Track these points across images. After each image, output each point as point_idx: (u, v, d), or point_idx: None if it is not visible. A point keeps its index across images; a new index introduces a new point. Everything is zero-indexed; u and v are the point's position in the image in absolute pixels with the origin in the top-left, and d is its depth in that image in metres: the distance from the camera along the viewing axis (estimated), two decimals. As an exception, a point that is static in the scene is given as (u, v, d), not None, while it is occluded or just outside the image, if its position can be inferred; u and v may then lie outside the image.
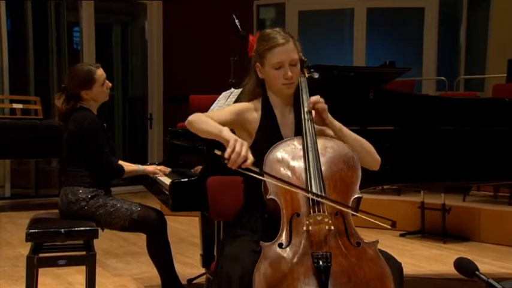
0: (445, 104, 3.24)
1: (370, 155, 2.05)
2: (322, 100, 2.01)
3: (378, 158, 2.07)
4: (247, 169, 1.75)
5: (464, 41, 7.83)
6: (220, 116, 2.02)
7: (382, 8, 7.84)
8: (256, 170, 1.78)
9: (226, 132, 1.83)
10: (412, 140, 3.00)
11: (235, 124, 2.06)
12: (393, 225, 1.76)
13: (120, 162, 3.08)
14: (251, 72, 2.15)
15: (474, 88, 7.59)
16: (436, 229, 4.94)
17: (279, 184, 1.82)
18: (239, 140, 1.76)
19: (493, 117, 3.22)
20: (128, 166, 3.08)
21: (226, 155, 1.72)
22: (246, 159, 1.73)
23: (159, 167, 3.12)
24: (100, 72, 3.02)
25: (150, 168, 3.13)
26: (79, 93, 2.99)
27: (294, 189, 1.83)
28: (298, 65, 2.07)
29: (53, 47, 7.57)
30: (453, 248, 4.60)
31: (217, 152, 1.75)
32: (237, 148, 1.72)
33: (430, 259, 4.27)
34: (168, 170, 3.13)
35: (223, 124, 1.92)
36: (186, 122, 2.00)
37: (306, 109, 2.02)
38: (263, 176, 1.81)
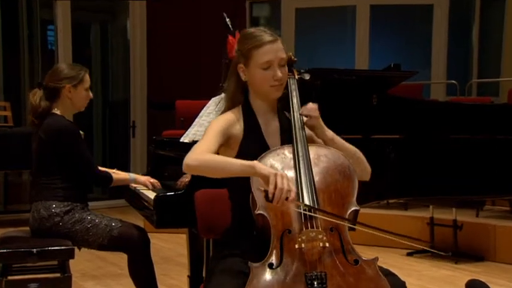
0: (456, 111, 3.27)
1: (363, 165, 2.08)
2: (316, 109, 2.03)
3: (369, 168, 2.11)
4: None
5: (477, 41, 7.87)
6: (211, 144, 1.95)
7: (387, 5, 7.88)
8: (302, 204, 1.80)
9: (259, 166, 1.81)
10: (420, 150, 3.02)
11: (223, 144, 2.02)
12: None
13: (104, 169, 3.06)
14: (230, 75, 2.11)
15: (488, 93, 7.64)
16: (446, 247, 4.95)
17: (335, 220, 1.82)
18: (278, 173, 1.77)
19: (509, 124, 3.24)
20: (117, 174, 3.07)
21: (270, 193, 1.73)
22: (290, 193, 1.75)
23: (151, 180, 3.07)
24: (88, 78, 3.09)
25: (142, 178, 3.08)
26: (61, 88, 2.98)
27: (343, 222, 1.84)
28: (286, 67, 2.07)
29: (25, 47, 7.53)
30: (465, 269, 4.60)
31: (261, 190, 1.77)
32: (279, 183, 1.73)
33: (439, 281, 4.27)
34: (158, 185, 3.09)
35: (216, 152, 1.93)
36: (185, 168, 1.89)
37: (296, 115, 2.02)
38: (314, 213, 1.82)
